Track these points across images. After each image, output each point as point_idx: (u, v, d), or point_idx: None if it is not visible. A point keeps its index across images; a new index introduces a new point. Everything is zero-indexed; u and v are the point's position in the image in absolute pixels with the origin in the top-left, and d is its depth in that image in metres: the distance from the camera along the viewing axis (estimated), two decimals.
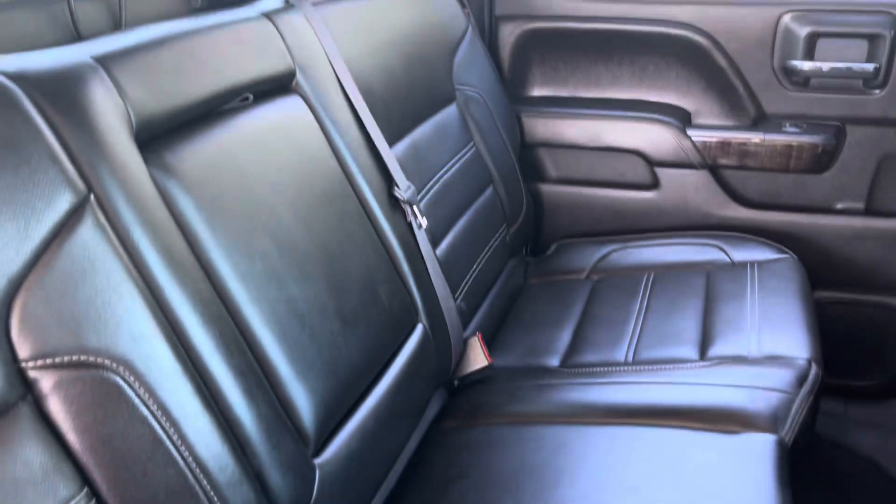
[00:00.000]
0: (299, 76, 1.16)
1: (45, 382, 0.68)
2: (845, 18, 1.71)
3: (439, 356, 1.29)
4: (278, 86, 1.13)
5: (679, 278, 1.67)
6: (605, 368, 1.38)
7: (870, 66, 1.70)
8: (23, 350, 0.67)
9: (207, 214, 0.89)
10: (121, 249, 0.76)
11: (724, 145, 1.83)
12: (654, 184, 1.91)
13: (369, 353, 1.09)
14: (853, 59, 1.71)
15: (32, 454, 0.66)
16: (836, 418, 1.88)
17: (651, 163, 1.89)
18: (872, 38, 1.70)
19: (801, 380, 1.24)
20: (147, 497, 0.72)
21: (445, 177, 1.57)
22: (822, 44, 1.74)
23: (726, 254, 1.73)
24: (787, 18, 1.74)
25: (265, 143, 1.03)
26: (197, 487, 0.76)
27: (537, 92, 2.00)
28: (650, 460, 1.11)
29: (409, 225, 1.28)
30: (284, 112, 1.10)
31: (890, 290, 1.84)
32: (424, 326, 1.25)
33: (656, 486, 1.05)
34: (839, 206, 1.83)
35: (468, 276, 1.55)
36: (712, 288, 1.60)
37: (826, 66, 1.73)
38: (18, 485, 0.65)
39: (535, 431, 1.22)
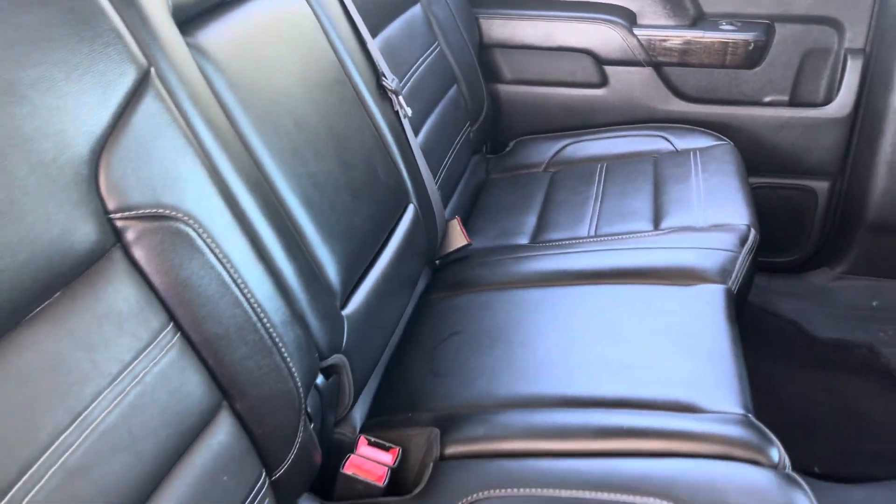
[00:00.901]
0: None
1: (131, 232, 0.78)
2: None
3: (428, 234, 1.43)
4: None
5: (630, 166, 1.84)
6: (571, 241, 1.55)
7: None
8: (111, 203, 0.77)
9: (238, 94, 0.98)
10: (180, 120, 0.85)
11: (667, 43, 1.98)
12: (604, 81, 2.06)
13: (374, 225, 1.22)
14: None
15: (129, 291, 0.77)
16: (762, 289, 2.12)
17: (600, 61, 2.03)
18: None
19: (743, 241, 1.44)
20: (221, 333, 0.84)
21: (416, 74, 1.67)
22: None
23: (671, 143, 1.90)
24: None
25: (277, 31, 1.11)
26: (259, 325, 0.88)
27: None
28: (619, 310, 1.29)
29: (396, 113, 1.39)
30: (287, 2, 1.18)
31: (810, 174, 2.06)
32: (415, 206, 1.38)
33: (628, 328, 1.23)
34: (767, 98, 2.02)
35: (442, 167, 1.67)
36: (660, 172, 1.77)
37: None
38: (122, 315, 0.75)
39: (515, 294, 1.38)
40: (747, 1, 1.94)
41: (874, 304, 2.06)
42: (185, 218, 0.82)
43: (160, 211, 0.80)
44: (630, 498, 0.89)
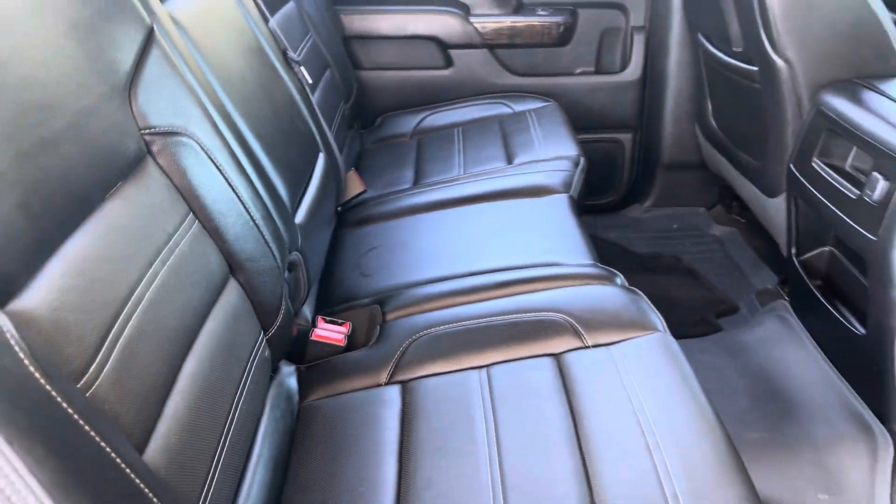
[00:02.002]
0: None
1: (156, 145, 1.05)
2: None
3: (336, 180, 1.75)
4: None
5: (481, 127, 2.25)
6: (446, 181, 1.92)
7: None
8: (140, 122, 1.03)
9: (201, 53, 1.27)
10: (178, 66, 1.13)
11: (498, 28, 2.43)
12: (449, 63, 2.47)
13: (303, 160, 1.52)
14: None
15: (160, 188, 1.04)
16: (590, 225, 2.61)
17: (445, 46, 2.44)
18: None
19: (576, 163, 1.89)
20: (222, 221, 1.12)
21: (300, 58, 1.98)
22: None
23: (510, 107, 2.34)
24: None
25: (217, 6, 1.40)
26: (248, 217, 1.17)
27: None
28: (492, 217, 1.68)
29: (301, 82, 1.70)
30: None
31: (616, 128, 2.58)
32: (325, 156, 1.69)
33: (501, 227, 1.63)
34: (578, 70, 2.53)
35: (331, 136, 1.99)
36: (505, 128, 2.20)
37: None
38: (160, 204, 1.02)
39: (410, 220, 1.74)
40: None
41: (674, 226, 2.62)
42: (191, 135, 1.10)
43: (173, 128, 1.08)
44: (534, 316, 1.27)
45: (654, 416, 1.05)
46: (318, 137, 1.68)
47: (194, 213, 1.08)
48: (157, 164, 1.05)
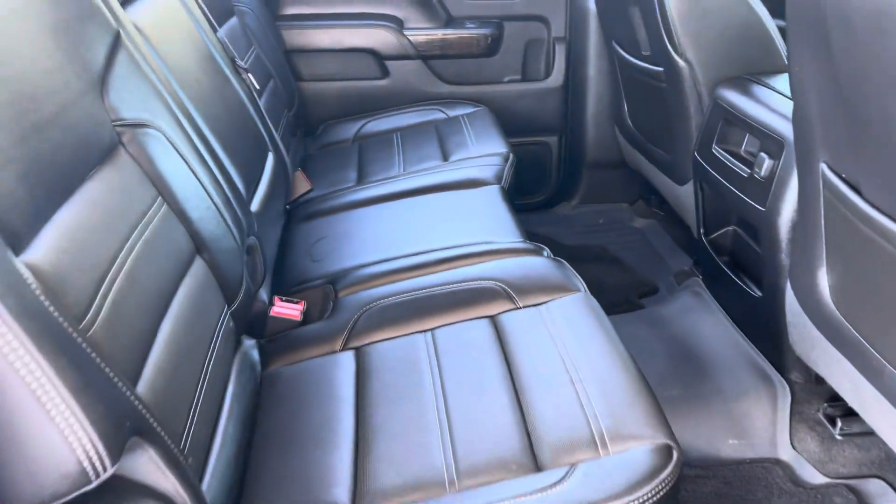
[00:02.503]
0: None
1: (126, 136, 1.17)
2: None
3: (284, 179, 1.88)
4: None
5: (418, 131, 2.41)
6: (387, 178, 2.07)
7: None
8: (112, 115, 1.15)
9: (161, 55, 1.39)
10: (143, 66, 1.25)
11: (430, 40, 2.60)
12: (386, 73, 2.63)
13: (254, 160, 1.65)
14: None
15: (132, 173, 1.16)
16: (522, 223, 2.80)
17: (381, 58, 2.60)
18: None
19: (506, 159, 2.06)
20: (187, 204, 1.24)
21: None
22: None
23: (444, 113, 2.51)
24: None
25: (171, 14, 1.53)
26: (210, 201, 1.29)
27: (290, 10, 2.59)
28: (431, 208, 1.84)
29: (249, 87, 1.83)
30: None
31: (543, 132, 2.78)
32: (273, 155, 1.82)
33: (440, 216, 1.78)
34: (506, 78, 2.72)
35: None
36: (441, 131, 2.37)
37: None
38: (131, 187, 1.14)
39: (354, 213, 1.88)
40: (482, 6, 2.62)
41: (600, 221, 2.82)
42: (157, 127, 1.22)
43: (141, 121, 1.20)
44: (472, 284, 1.43)
45: (576, 357, 1.22)
46: (266, 138, 1.81)
47: (162, 197, 1.20)
48: (128, 152, 1.17)
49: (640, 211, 2.78)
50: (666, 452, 1.02)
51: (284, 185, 1.89)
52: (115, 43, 1.21)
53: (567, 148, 2.82)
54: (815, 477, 1.59)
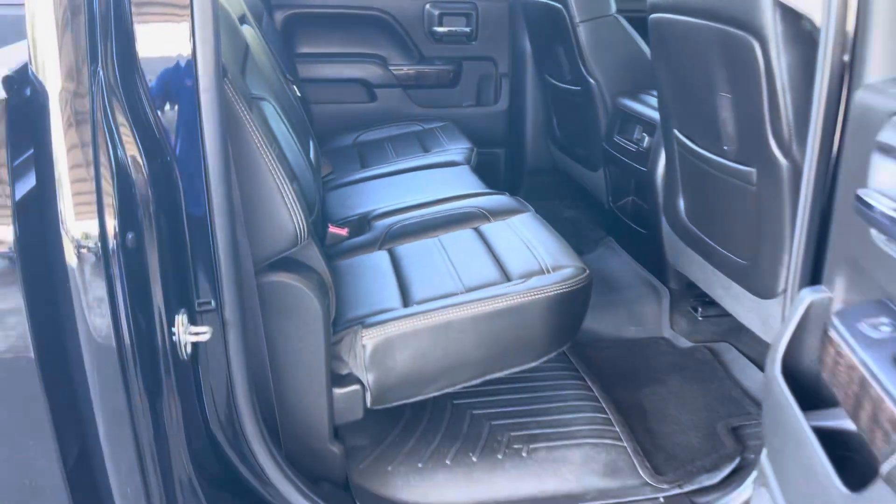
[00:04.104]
0: None
1: (255, 104, 1.92)
2: (455, 5, 3.43)
3: (318, 161, 2.64)
4: None
5: (403, 138, 3.20)
6: (384, 164, 2.85)
7: (467, 29, 3.44)
8: (249, 90, 1.90)
9: (261, 67, 2.16)
10: (258, 67, 2.02)
11: (407, 74, 3.44)
12: (374, 98, 3.44)
13: (304, 142, 2.42)
14: (461, 26, 3.44)
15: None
16: None
17: (371, 86, 3.42)
18: (468, 14, 3.44)
19: (471, 150, 2.88)
20: (289, 150, 1.99)
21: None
22: (445, 19, 3.44)
23: (421, 126, 3.32)
24: (428, 6, 3.41)
25: (256, 38, 2.30)
26: (300, 154, 2.05)
27: (304, 49, 3.39)
28: (420, 181, 2.62)
29: (294, 93, 2.60)
30: None
31: (494, 145, 3.61)
32: (313, 142, 2.59)
33: (426, 184, 2.56)
34: (465, 104, 3.56)
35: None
36: (421, 137, 3.17)
37: (448, 29, 3.43)
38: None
39: (367, 184, 2.65)
40: (445, 48, 3.48)
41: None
42: (269, 101, 1.98)
43: (261, 96, 1.95)
44: (462, 210, 2.20)
45: (530, 238, 2.00)
46: (309, 126, 2.58)
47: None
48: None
49: (567, 203, 3.63)
50: (583, 269, 1.81)
51: (320, 168, 2.64)
52: (247, 50, 1.97)
53: (511, 158, 3.66)
54: (685, 343, 2.40)
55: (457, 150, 2.91)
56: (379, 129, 3.37)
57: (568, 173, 3.35)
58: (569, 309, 1.77)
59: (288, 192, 1.45)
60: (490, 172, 3.65)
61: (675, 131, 2.14)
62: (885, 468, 0.84)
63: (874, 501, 0.88)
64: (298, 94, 2.64)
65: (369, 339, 1.63)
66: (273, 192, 1.43)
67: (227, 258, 1.32)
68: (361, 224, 2.28)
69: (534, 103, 3.46)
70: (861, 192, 1.09)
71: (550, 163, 3.53)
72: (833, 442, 1.07)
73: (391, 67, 3.43)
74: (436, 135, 3.17)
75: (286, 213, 1.45)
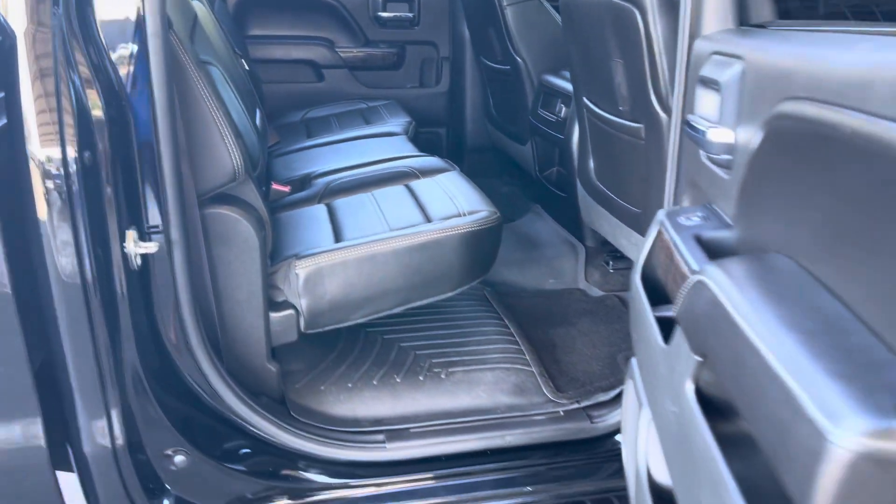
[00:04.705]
0: None
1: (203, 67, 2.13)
2: None
3: (266, 130, 2.85)
4: None
5: (348, 114, 3.43)
6: (328, 134, 3.07)
7: (410, 15, 3.68)
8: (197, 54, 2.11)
9: (210, 36, 2.37)
10: (206, 35, 2.22)
11: (353, 56, 3.66)
12: (322, 78, 3.66)
13: (251, 110, 2.63)
14: (404, 11, 3.68)
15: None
16: None
17: (319, 67, 3.63)
18: (410, 1, 3.68)
19: (410, 123, 3.11)
20: (234, 110, 2.20)
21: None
22: (389, 5, 3.67)
23: (366, 104, 3.55)
24: None
25: (207, 14, 2.51)
26: (244, 114, 2.26)
27: (254, 32, 3.59)
28: (361, 148, 2.84)
29: (242, 65, 2.81)
30: None
31: (436, 124, 3.85)
32: (260, 112, 2.80)
33: (365, 150, 2.79)
34: (409, 85, 3.79)
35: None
36: (365, 114, 3.40)
37: (392, 14, 3.67)
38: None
39: (312, 151, 2.86)
40: (389, 33, 3.71)
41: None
42: (216, 66, 2.19)
43: (209, 61, 2.16)
44: (394, 170, 2.44)
45: (453, 190, 2.24)
46: (257, 98, 2.79)
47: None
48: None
49: (505, 181, 3.89)
50: (494, 213, 2.06)
51: (267, 135, 2.85)
52: (196, 20, 2.18)
53: (452, 137, 3.91)
54: (597, 293, 2.67)
55: (396, 123, 3.15)
56: (326, 106, 3.59)
57: (504, 150, 3.61)
58: (480, 245, 2.01)
59: (227, 133, 1.67)
60: (432, 151, 3.88)
61: (584, 99, 2.40)
62: (677, 312, 1.09)
63: (677, 345, 1.13)
64: (247, 67, 2.84)
65: (302, 269, 1.85)
66: (213, 131, 1.65)
67: (172, 185, 1.53)
68: (303, 182, 2.50)
69: (472, 84, 3.71)
70: (689, 118, 1.35)
71: (488, 141, 3.78)
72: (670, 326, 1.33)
73: (338, 50, 3.65)
74: (379, 111, 3.40)
75: (225, 150, 1.67)
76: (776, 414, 0.67)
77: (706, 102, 1.29)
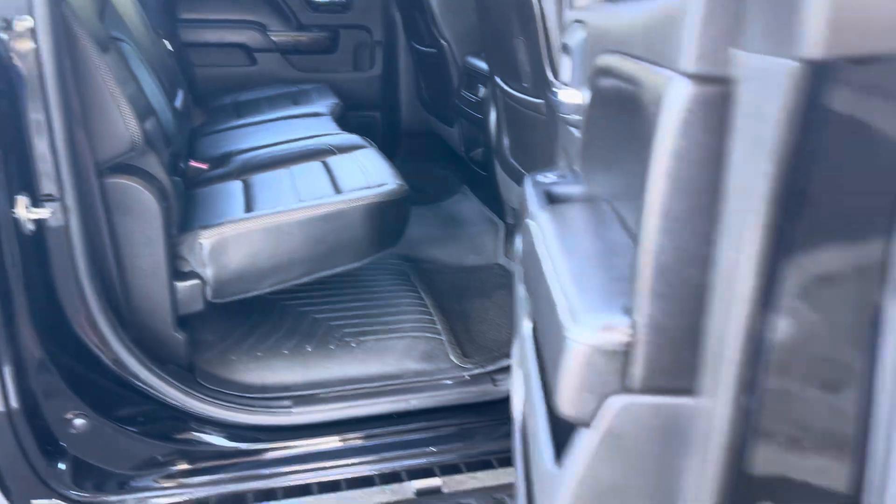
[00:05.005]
0: None
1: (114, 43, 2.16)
2: None
3: (190, 111, 2.87)
4: None
5: (279, 97, 3.46)
6: (257, 115, 3.10)
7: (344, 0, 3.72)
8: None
9: (126, 17, 2.39)
10: (120, 14, 2.25)
11: (286, 40, 3.69)
12: (255, 62, 3.68)
13: (172, 92, 2.65)
14: None
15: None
16: None
17: (251, 50, 3.66)
18: None
19: (336, 104, 3.16)
20: (148, 86, 2.23)
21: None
22: None
23: (298, 87, 3.58)
24: None
25: None
26: (161, 93, 2.29)
27: (186, 15, 3.60)
28: (287, 126, 2.89)
29: (164, 46, 2.83)
30: None
31: (371, 108, 3.90)
32: (183, 94, 2.82)
33: (291, 129, 2.83)
34: (342, 69, 3.83)
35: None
36: (295, 97, 3.43)
37: None
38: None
39: (237, 131, 2.90)
40: (322, 17, 3.74)
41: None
42: (128, 42, 2.21)
43: (119, 38, 2.18)
44: (311, 147, 2.48)
45: (366, 165, 2.30)
46: (182, 79, 2.81)
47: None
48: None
49: (440, 165, 3.95)
50: (402, 185, 2.12)
51: (190, 114, 2.88)
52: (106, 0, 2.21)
53: (387, 121, 3.96)
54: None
55: (324, 104, 3.19)
56: (258, 90, 3.61)
57: (437, 133, 3.67)
58: (385, 217, 2.07)
59: (123, 104, 1.71)
60: (368, 136, 3.93)
61: (497, 78, 2.47)
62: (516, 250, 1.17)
63: (519, 288, 1.21)
64: (171, 48, 2.87)
65: (206, 239, 1.90)
66: (107, 102, 1.69)
67: (65, 153, 1.57)
68: (223, 160, 2.54)
69: (406, 68, 3.76)
70: (552, 83, 1.42)
71: (423, 124, 3.83)
72: None
73: (270, 34, 3.68)
74: (309, 94, 3.44)
75: (120, 121, 1.70)
76: (547, 322, 0.75)
77: (565, 67, 1.37)
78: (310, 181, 2.23)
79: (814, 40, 0.47)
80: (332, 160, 2.42)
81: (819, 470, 0.57)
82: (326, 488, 1.87)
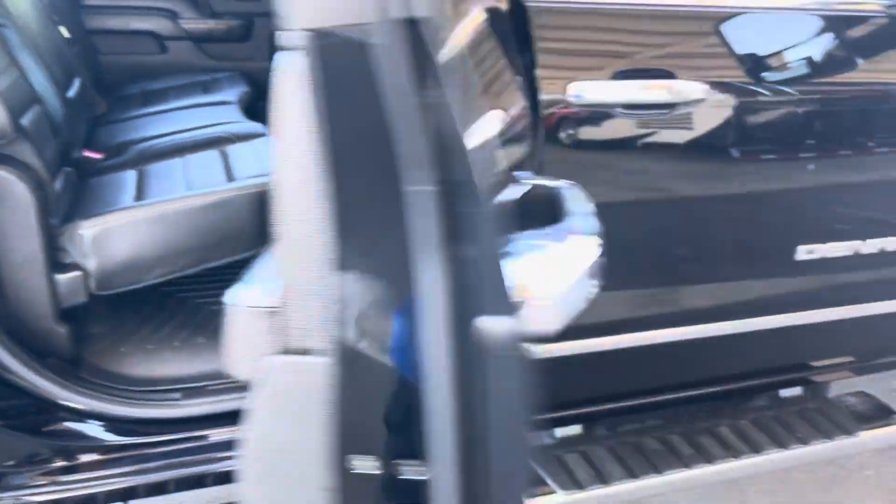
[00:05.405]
0: None
1: None
2: None
3: (89, 100, 2.79)
4: None
5: (188, 86, 3.39)
6: (164, 103, 3.04)
7: None
8: None
9: (18, 3, 2.30)
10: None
11: (198, 28, 3.61)
12: (165, 50, 3.60)
13: (66, 82, 2.57)
14: None
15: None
16: None
17: (161, 38, 3.57)
18: None
19: (246, 93, 3.11)
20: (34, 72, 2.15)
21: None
22: None
23: (211, 77, 3.51)
24: None
25: None
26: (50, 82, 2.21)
27: (91, 2, 3.49)
28: (192, 114, 2.83)
29: (61, 34, 2.74)
30: None
31: None
32: (79, 82, 2.73)
33: (197, 115, 2.78)
34: (257, 57, 3.77)
35: None
36: (205, 84, 3.36)
37: None
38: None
39: (141, 120, 2.83)
40: (236, 5, 3.68)
41: None
42: (12, 27, 2.13)
43: (3, 24, 2.11)
44: (210, 136, 2.44)
45: (265, 152, 2.27)
46: (81, 67, 2.73)
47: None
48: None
49: None
50: None
51: (91, 103, 2.80)
52: None
53: None
54: None
55: (233, 93, 3.14)
56: (168, 78, 3.52)
57: None
58: None
59: None
60: None
61: None
62: None
63: None
64: (67, 35, 2.78)
65: (87, 229, 1.85)
66: None
67: None
68: (120, 149, 2.47)
69: None
70: None
71: None
72: None
73: (181, 21, 3.60)
74: (220, 83, 3.38)
75: None
76: None
77: None
78: (204, 170, 2.20)
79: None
80: (231, 149, 2.38)
81: None
82: (221, 480, 1.85)
